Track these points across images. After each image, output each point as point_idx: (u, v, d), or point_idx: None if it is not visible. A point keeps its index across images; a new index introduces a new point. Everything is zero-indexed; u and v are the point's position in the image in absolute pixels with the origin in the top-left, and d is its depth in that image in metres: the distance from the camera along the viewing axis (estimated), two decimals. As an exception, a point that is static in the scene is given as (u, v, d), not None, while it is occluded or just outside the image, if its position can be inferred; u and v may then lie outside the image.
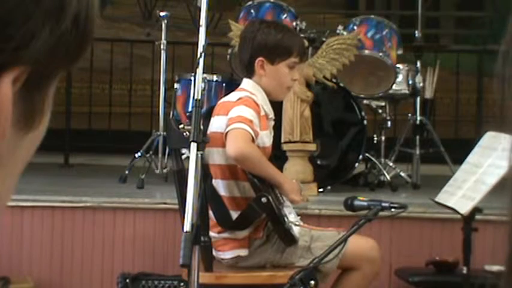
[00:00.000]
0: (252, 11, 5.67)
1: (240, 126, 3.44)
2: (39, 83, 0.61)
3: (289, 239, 3.54)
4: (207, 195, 3.49)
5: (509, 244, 0.59)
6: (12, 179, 0.64)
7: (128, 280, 4.41)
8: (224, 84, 5.40)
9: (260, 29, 3.70)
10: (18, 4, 0.57)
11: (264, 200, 3.43)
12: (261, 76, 3.65)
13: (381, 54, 5.80)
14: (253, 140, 3.47)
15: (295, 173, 4.95)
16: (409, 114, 6.35)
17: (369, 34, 5.84)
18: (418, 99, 6.29)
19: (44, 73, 0.61)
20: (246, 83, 3.71)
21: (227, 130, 3.46)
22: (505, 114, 0.61)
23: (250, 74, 3.69)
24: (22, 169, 0.65)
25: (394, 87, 5.96)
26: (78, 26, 0.61)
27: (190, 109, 4.71)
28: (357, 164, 5.57)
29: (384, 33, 5.88)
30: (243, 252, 3.63)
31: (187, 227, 2.98)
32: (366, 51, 5.77)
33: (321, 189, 5.25)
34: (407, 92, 6.16)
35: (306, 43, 5.12)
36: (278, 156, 4.82)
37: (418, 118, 6.26)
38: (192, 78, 4.68)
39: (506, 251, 0.59)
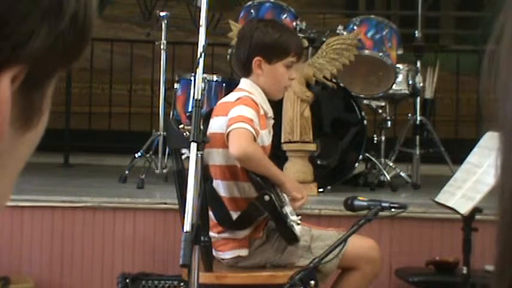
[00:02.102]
0: (252, 11, 5.67)
1: (242, 125, 3.44)
2: (37, 82, 0.61)
3: (291, 237, 3.54)
4: (207, 196, 3.49)
5: (498, 246, 0.60)
6: (11, 178, 0.64)
7: (127, 280, 4.41)
8: (224, 84, 5.40)
9: (258, 28, 3.69)
10: (16, 2, 0.57)
11: (266, 198, 3.43)
12: (259, 75, 3.65)
13: (381, 54, 5.80)
14: (254, 139, 3.47)
15: (295, 173, 4.95)
16: (409, 114, 6.35)
17: (369, 34, 5.84)
18: (418, 99, 6.29)
19: (42, 72, 0.61)
20: (244, 82, 3.71)
21: (229, 130, 3.46)
22: (492, 112, 0.61)
23: (247, 73, 3.69)
24: (21, 168, 0.65)
25: (394, 87, 5.96)
26: (77, 24, 0.61)
27: (190, 109, 4.71)
28: (357, 164, 5.57)
29: (384, 33, 5.88)
30: (243, 252, 3.63)
31: (187, 227, 2.98)
32: (366, 51, 5.77)
33: (321, 189, 5.26)
34: (407, 92, 6.16)
35: (306, 43, 5.13)
36: (278, 156, 4.82)
37: (418, 118, 6.27)
38: (192, 78, 4.68)
39: (496, 252, 0.60)
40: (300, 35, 4.67)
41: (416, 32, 6.49)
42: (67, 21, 0.60)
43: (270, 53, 3.63)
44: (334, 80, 5.43)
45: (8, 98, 0.58)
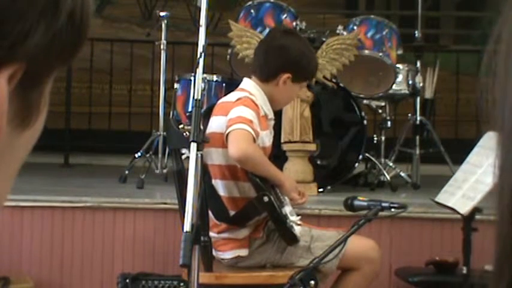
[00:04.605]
0: (252, 11, 5.67)
1: (241, 126, 3.44)
2: (35, 80, 0.61)
3: (291, 238, 3.54)
4: (206, 192, 3.49)
5: (496, 246, 0.60)
6: (9, 177, 0.64)
7: (127, 280, 4.41)
8: (224, 84, 5.40)
9: (296, 44, 3.70)
10: (13, 1, 0.57)
11: (265, 198, 3.43)
12: (279, 88, 3.65)
13: (380, 54, 5.80)
14: (254, 140, 3.47)
15: (295, 173, 4.95)
16: (409, 114, 6.35)
17: (369, 34, 5.84)
18: (418, 99, 6.29)
19: (39, 70, 0.61)
20: (246, 82, 3.71)
21: (228, 131, 3.46)
22: (490, 112, 0.61)
23: (266, 79, 3.66)
24: (19, 168, 0.65)
25: (394, 87, 5.96)
26: (74, 22, 0.61)
27: (190, 109, 4.72)
28: (357, 164, 5.57)
29: (384, 33, 5.88)
30: (243, 252, 3.63)
31: (187, 227, 2.98)
32: (366, 51, 5.77)
33: (321, 189, 5.26)
34: (407, 92, 6.16)
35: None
36: (278, 156, 4.82)
37: (418, 118, 6.27)
38: (192, 78, 4.68)
39: (494, 252, 0.60)
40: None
41: (416, 32, 6.49)
42: (64, 19, 0.60)
43: (300, 75, 3.69)
44: (334, 80, 5.43)
45: (5, 96, 0.58)
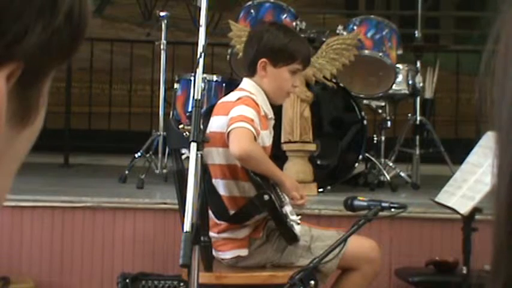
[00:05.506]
0: (252, 11, 5.67)
1: (242, 125, 3.44)
2: (33, 79, 0.61)
3: (291, 237, 3.54)
4: (206, 191, 3.49)
5: (493, 246, 0.60)
6: (8, 177, 0.64)
7: (127, 280, 4.41)
8: (224, 84, 5.40)
9: (269, 30, 3.71)
10: (11, 0, 0.57)
11: (266, 197, 3.44)
12: (262, 77, 3.66)
13: (380, 54, 5.80)
14: (255, 139, 3.47)
15: (295, 173, 4.95)
16: (409, 114, 6.35)
17: (369, 34, 5.84)
18: (418, 99, 6.29)
19: (38, 69, 0.61)
20: (246, 82, 3.71)
21: (229, 129, 3.46)
22: (489, 112, 0.61)
23: (251, 73, 3.70)
24: (18, 167, 0.65)
25: (394, 87, 5.96)
26: (72, 21, 0.61)
27: (190, 109, 4.72)
28: (356, 164, 5.57)
29: (384, 33, 5.88)
30: (243, 252, 3.63)
31: (187, 227, 2.98)
32: (366, 51, 5.77)
33: (321, 189, 5.25)
34: (407, 92, 6.16)
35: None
36: (278, 156, 4.82)
37: (418, 118, 6.26)
38: (192, 78, 4.69)
39: (491, 252, 0.60)
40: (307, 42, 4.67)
41: (416, 32, 6.49)
42: (62, 18, 0.60)
43: (277, 57, 3.64)
44: (334, 80, 5.43)
45: (3, 95, 0.58)
